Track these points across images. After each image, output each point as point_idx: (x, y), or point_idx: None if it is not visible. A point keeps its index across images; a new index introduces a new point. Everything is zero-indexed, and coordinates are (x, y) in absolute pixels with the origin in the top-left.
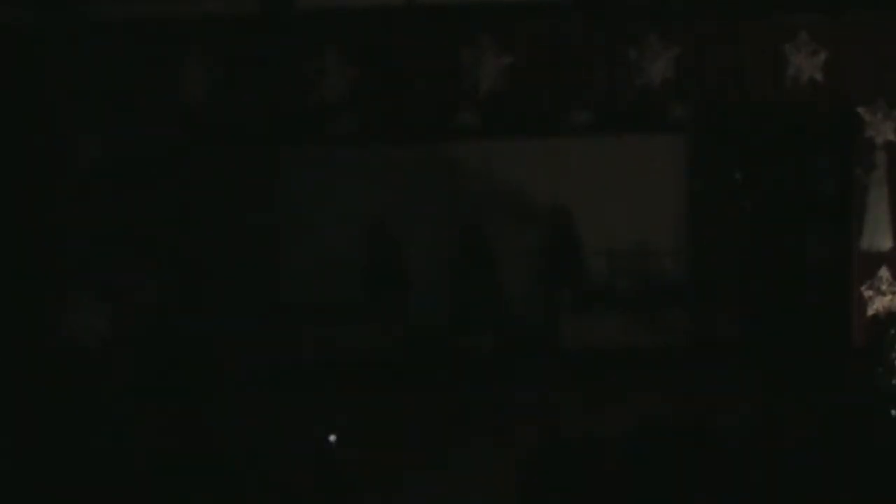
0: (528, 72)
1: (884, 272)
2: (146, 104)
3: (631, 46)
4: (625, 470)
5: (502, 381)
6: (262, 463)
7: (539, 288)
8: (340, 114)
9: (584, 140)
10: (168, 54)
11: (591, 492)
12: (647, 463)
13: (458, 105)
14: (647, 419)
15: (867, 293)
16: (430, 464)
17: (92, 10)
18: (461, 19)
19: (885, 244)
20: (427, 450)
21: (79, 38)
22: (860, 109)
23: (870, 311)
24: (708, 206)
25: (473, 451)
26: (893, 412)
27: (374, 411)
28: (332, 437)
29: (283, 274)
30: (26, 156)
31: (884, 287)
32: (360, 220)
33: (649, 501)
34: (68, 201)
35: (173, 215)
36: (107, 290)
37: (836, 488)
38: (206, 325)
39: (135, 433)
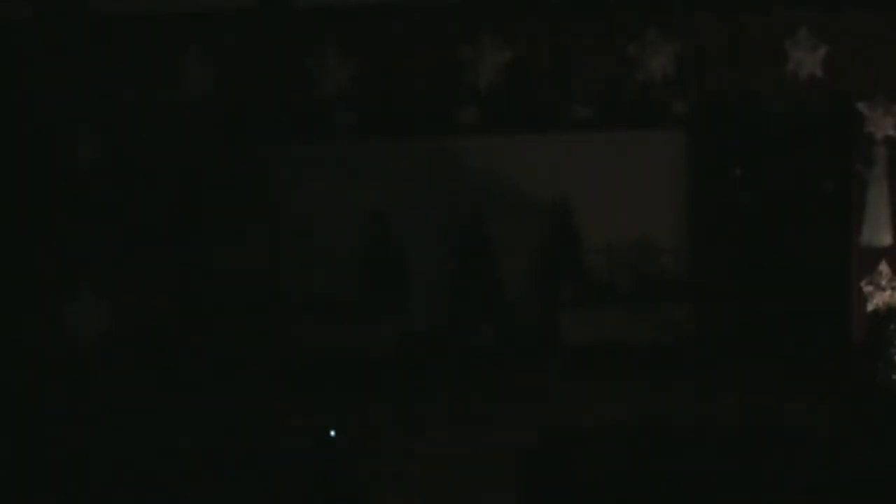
0: (528, 67)
1: (883, 267)
2: (145, 101)
3: (631, 42)
4: (624, 465)
5: (502, 376)
6: (261, 461)
7: (539, 284)
8: (340, 109)
9: (583, 135)
10: (167, 50)
11: (591, 487)
12: (646, 458)
13: (457, 100)
14: (647, 415)
15: (867, 289)
16: (430, 461)
17: (90, 5)
18: (461, 15)
19: (885, 240)
20: (427, 446)
21: (77, 35)
22: (860, 105)
23: (869, 307)
24: (708, 202)
25: (473, 446)
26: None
27: (374, 410)
28: (332, 435)
29: (282, 271)
30: (26, 154)
31: (883, 282)
32: (359, 217)
33: (648, 497)
34: (68, 200)
35: (173, 212)
36: (107, 288)
37: (837, 484)
38: (205, 323)
39: (135, 430)
